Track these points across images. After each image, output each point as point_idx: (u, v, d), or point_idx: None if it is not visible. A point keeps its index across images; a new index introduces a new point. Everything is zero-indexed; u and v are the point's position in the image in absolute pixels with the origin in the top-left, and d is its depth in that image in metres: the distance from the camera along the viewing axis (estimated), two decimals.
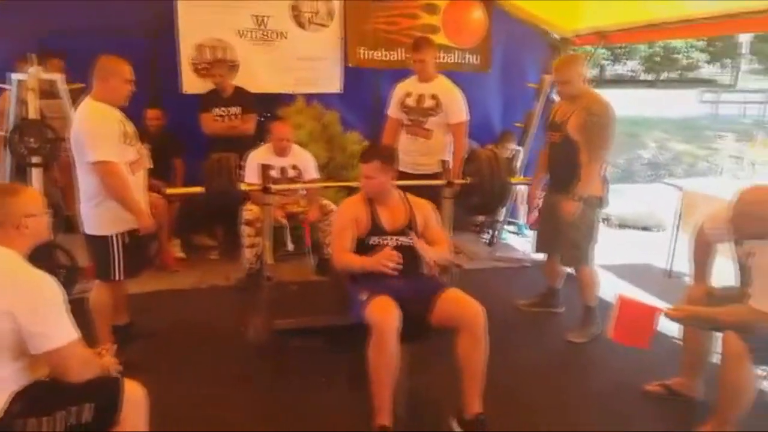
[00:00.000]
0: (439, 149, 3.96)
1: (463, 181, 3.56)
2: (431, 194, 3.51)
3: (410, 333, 2.56)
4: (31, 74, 3.67)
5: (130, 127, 3.07)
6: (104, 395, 1.88)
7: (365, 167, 2.86)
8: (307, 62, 5.28)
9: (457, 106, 3.93)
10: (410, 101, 3.99)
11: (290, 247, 4.28)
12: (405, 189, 3.40)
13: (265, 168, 3.41)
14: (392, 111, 4.14)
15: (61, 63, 4.26)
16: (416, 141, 4.01)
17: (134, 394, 1.92)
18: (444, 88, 3.97)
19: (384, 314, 2.47)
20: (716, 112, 18.96)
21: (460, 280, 3.10)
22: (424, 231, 2.94)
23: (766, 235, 2.38)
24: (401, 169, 4.00)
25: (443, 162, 3.68)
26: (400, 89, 4.08)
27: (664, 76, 32.52)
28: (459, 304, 2.60)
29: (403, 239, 2.84)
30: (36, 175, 3.73)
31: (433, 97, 3.92)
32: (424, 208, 3.01)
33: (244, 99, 4.93)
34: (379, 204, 2.91)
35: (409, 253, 2.80)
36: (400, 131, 4.11)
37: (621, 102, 3.39)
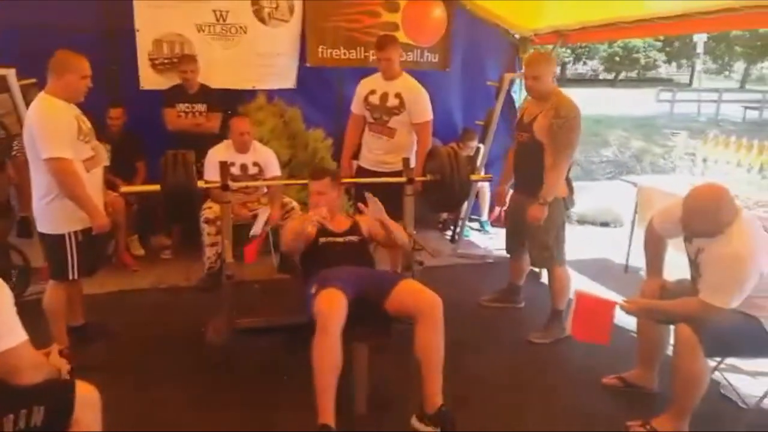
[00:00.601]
0: (403, 148, 3.94)
1: (424, 179, 3.58)
2: (394, 191, 3.53)
3: (367, 323, 2.63)
4: None
5: (86, 124, 3.01)
6: (55, 398, 1.83)
7: (316, 184, 3.07)
8: (267, 58, 5.21)
9: (421, 106, 3.91)
10: (374, 99, 3.95)
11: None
12: (367, 186, 3.42)
13: (223, 165, 3.37)
14: (356, 107, 4.09)
15: None
16: (380, 139, 3.98)
17: (87, 396, 1.88)
18: (408, 86, 3.93)
19: (328, 305, 2.49)
20: (672, 111, 19.44)
21: (423, 276, 3.12)
22: (372, 231, 3.13)
23: (714, 232, 2.43)
24: (365, 166, 4.02)
25: (405, 160, 3.69)
26: (364, 86, 4.04)
27: (623, 75, 33.22)
28: (416, 294, 2.67)
29: (351, 238, 3.04)
30: None
31: (397, 95, 3.88)
32: (367, 218, 3.13)
33: (209, 96, 4.84)
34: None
35: (360, 251, 2.98)
36: (363, 127, 4.09)
37: (582, 101, 3.42)
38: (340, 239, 3.04)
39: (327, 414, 2.45)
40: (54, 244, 2.99)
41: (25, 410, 1.77)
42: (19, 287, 3.61)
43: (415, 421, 2.59)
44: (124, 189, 3.73)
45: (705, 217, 2.42)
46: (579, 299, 2.72)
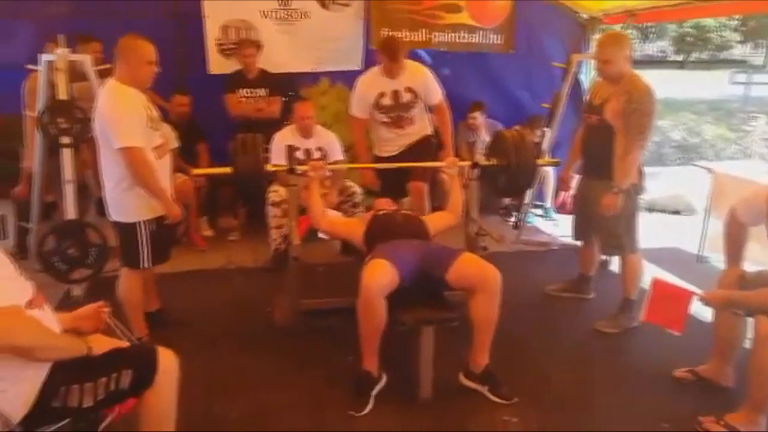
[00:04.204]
0: (422, 126, 4.04)
1: (489, 163, 3.53)
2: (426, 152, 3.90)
3: (432, 306, 2.75)
4: (59, 55, 3.69)
5: (153, 111, 3.00)
6: (142, 362, 1.93)
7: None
8: (329, 42, 5.25)
9: (432, 87, 3.89)
10: (386, 101, 3.85)
11: None
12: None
13: (290, 149, 3.41)
14: (362, 112, 3.98)
15: (99, 46, 4.28)
16: (403, 131, 3.98)
17: (167, 362, 1.97)
18: (415, 75, 3.87)
19: (371, 274, 2.62)
20: (748, 94, 18.47)
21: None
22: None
23: None
24: (385, 155, 4.05)
25: (470, 144, 3.69)
26: (370, 90, 3.89)
27: (694, 56, 31.77)
28: (477, 266, 2.77)
29: (406, 211, 3.38)
30: (66, 155, 3.76)
31: (408, 89, 3.84)
32: None
33: (269, 81, 4.92)
34: None
35: (417, 221, 3.21)
36: (367, 125, 4.07)
37: (650, 83, 3.27)
38: (399, 212, 3.31)
39: (370, 361, 2.74)
40: (126, 232, 2.99)
41: (116, 373, 1.86)
42: (97, 265, 3.76)
43: (463, 378, 2.82)
44: (196, 171, 3.82)
45: None
46: (656, 285, 2.64)
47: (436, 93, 3.91)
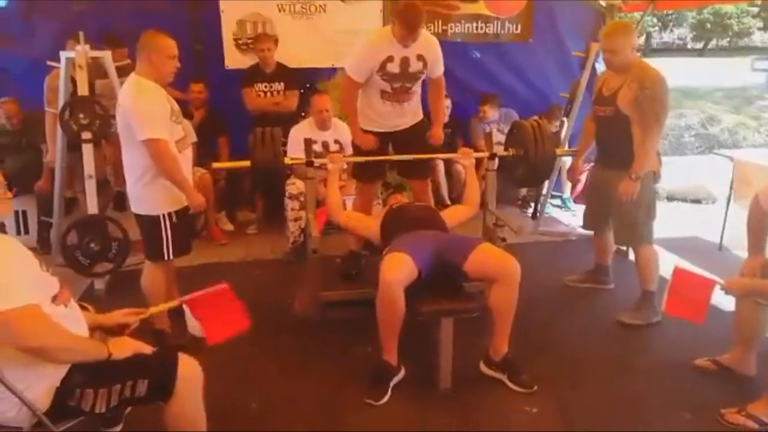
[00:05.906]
0: (417, 105, 3.69)
1: (507, 153, 3.52)
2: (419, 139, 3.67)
3: (452, 297, 2.77)
4: (79, 52, 3.73)
5: (175, 105, 3.03)
6: (159, 371, 1.91)
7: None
8: (347, 36, 5.24)
9: (440, 58, 3.58)
10: (393, 67, 3.45)
11: None
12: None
13: (308, 142, 3.43)
14: (361, 76, 3.45)
15: (126, 51, 4.30)
16: (400, 106, 3.60)
17: (189, 371, 1.94)
18: (427, 44, 3.50)
19: (390, 268, 2.63)
20: None
21: None
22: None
23: None
24: (376, 130, 3.63)
25: (487, 135, 3.67)
26: (377, 52, 3.40)
27: (713, 43, 31.28)
28: (496, 257, 2.79)
29: (419, 203, 3.39)
30: (87, 151, 3.80)
31: (419, 57, 3.47)
32: None
33: (286, 75, 4.94)
34: None
35: (432, 211, 3.22)
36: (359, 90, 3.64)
37: (668, 71, 3.24)
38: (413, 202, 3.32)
39: (389, 352, 2.76)
40: (150, 225, 3.00)
41: (131, 381, 1.86)
42: (119, 259, 3.81)
43: (484, 367, 2.86)
44: (216, 165, 3.86)
45: None
46: (677, 275, 2.61)
47: (440, 65, 3.60)
